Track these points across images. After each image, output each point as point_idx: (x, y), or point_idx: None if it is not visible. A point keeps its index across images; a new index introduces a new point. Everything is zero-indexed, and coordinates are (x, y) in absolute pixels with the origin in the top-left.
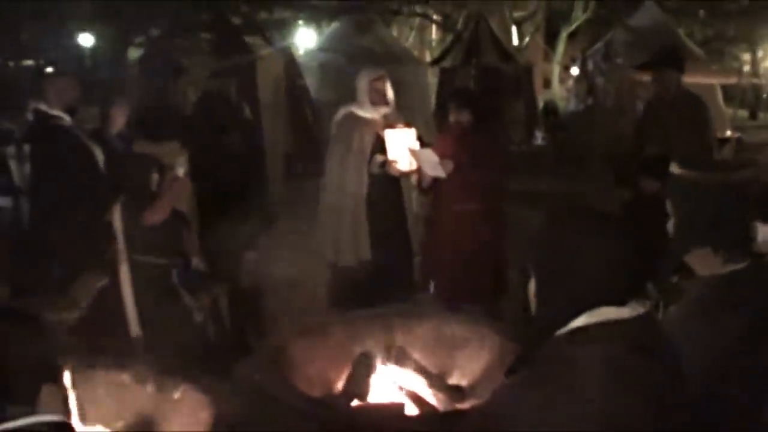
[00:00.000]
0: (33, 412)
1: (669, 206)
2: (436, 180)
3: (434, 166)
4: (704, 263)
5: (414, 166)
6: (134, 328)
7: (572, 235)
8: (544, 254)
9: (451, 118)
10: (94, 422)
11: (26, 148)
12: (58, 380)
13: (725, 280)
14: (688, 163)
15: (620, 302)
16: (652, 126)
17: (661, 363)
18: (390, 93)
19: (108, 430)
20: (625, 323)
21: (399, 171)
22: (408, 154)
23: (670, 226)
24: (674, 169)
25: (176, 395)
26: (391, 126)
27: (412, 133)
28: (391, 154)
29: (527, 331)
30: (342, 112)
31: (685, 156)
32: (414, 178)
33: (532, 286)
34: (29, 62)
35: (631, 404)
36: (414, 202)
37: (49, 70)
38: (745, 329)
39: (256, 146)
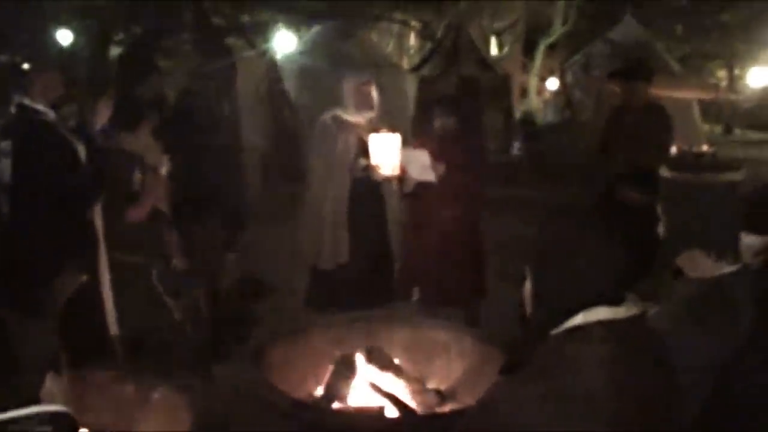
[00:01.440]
0: (36, 402)
1: (659, 209)
2: (418, 185)
3: (425, 170)
4: (695, 265)
5: (396, 172)
6: (113, 328)
7: (568, 236)
8: (541, 255)
9: (436, 123)
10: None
11: (4, 144)
12: (60, 371)
13: (717, 283)
14: (677, 164)
15: (616, 302)
16: (616, 133)
17: (654, 363)
18: (376, 98)
19: (86, 430)
20: (620, 323)
21: (381, 176)
22: (392, 158)
23: (661, 229)
24: (664, 172)
25: (155, 395)
26: (376, 131)
27: (396, 138)
28: (375, 158)
29: (523, 330)
30: (326, 115)
31: (659, 159)
32: (396, 184)
33: (527, 286)
34: (3, 57)
35: (625, 403)
36: (395, 208)
37: (26, 66)
38: (737, 334)
39: (234, 148)
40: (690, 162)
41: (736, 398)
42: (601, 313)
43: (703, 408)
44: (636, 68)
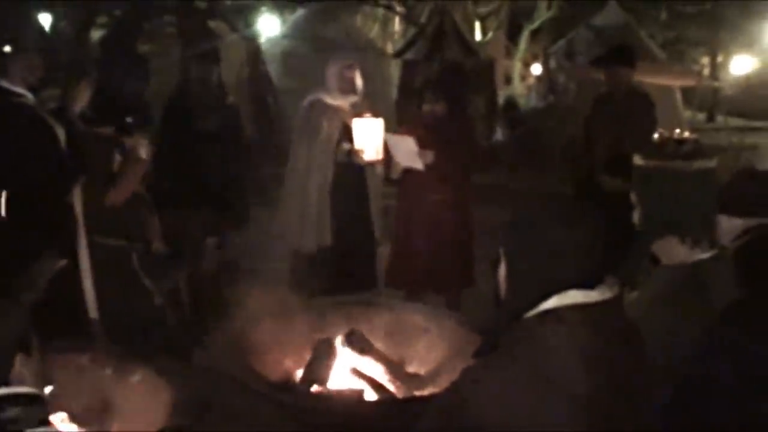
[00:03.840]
0: (6, 384)
1: (633, 197)
2: (406, 170)
3: (411, 157)
4: (670, 252)
5: (380, 156)
6: (93, 311)
7: (543, 221)
8: (516, 239)
9: (425, 107)
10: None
11: None
12: (31, 353)
13: (692, 269)
14: (651, 152)
15: (590, 286)
16: (599, 120)
17: (626, 346)
18: (359, 82)
19: (66, 414)
20: (593, 307)
21: (364, 160)
22: (375, 143)
23: (636, 216)
24: (637, 160)
25: (135, 378)
26: (359, 115)
27: (379, 123)
28: (358, 143)
29: (496, 314)
30: (310, 98)
31: (642, 145)
32: (379, 169)
33: (502, 270)
34: None
35: (597, 386)
36: (377, 192)
37: (7, 49)
38: (711, 320)
39: (237, 134)
40: (671, 148)
41: (705, 383)
42: (574, 297)
43: (674, 393)
44: (619, 54)
